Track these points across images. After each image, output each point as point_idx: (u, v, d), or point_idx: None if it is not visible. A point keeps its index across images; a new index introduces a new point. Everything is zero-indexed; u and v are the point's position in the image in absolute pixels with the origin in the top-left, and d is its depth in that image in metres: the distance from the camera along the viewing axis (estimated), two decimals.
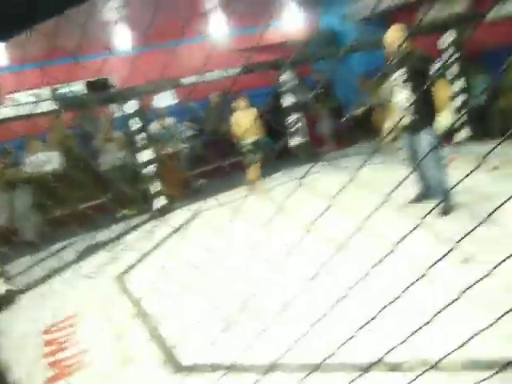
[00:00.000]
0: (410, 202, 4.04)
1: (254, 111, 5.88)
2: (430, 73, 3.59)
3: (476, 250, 2.89)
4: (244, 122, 5.68)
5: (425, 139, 3.66)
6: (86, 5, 1.07)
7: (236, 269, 1.22)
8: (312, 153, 7.17)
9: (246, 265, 1.23)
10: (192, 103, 7.68)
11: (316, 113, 8.01)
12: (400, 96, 3.76)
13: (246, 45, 6.55)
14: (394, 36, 3.69)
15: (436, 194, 3.84)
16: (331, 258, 1.13)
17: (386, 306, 1.02)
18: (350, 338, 1.05)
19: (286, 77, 6.89)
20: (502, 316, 0.93)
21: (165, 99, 7.89)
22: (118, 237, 5.09)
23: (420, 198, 4.08)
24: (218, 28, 7.63)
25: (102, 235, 5.12)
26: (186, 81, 6.24)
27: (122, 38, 6.81)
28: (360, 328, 1.07)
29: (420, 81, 3.56)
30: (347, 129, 7.42)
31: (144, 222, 5.83)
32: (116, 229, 5.50)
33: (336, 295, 1.17)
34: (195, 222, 4.80)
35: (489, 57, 6.57)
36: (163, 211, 5.89)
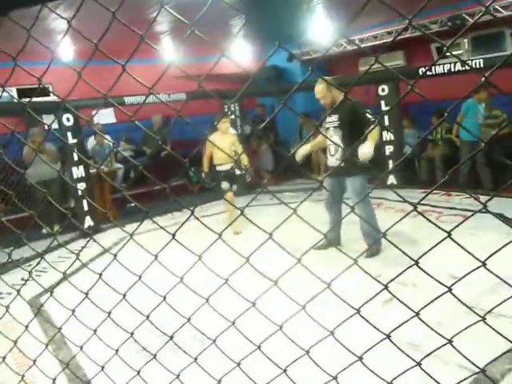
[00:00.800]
0: (315, 248, 3.88)
1: (233, 136, 5.41)
2: (365, 121, 3.69)
3: (399, 291, 3.04)
4: (222, 145, 4.83)
5: (353, 186, 3.80)
6: (32, 10, 1.02)
7: (162, 298, 1.17)
8: (249, 185, 7.26)
9: (174, 294, 1.18)
10: (135, 123, 7.54)
11: (257, 146, 8.18)
12: (330, 141, 3.91)
13: (195, 72, 6.60)
14: (320, 88, 3.80)
15: (366, 238, 3.97)
16: (263, 293, 1.12)
17: (316, 343, 1.02)
18: (279, 375, 1.03)
19: (230, 107, 7.01)
20: (425, 357, 0.97)
21: (104, 116, 7.67)
22: (40, 255, 4.74)
23: (327, 244, 4.01)
24: (167, 53, 7.66)
25: (22, 252, 4.75)
26: (128, 100, 6.14)
27: (67, 49, 6.60)
28: (289, 364, 1.07)
29: (351, 129, 3.72)
30: (286, 165, 7.64)
31: (70, 242, 5.52)
32: (39, 246, 5.13)
33: (266, 331, 1.16)
34: (125, 245, 4.58)
35: (416, 109, 7.17)
36: (92, 231, 5.63)
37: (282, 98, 0.94)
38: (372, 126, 3.46)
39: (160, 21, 6.25)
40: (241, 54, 8.27)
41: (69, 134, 5.62)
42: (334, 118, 3.84)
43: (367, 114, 3.70)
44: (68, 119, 5.63)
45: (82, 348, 1.36)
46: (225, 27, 6.92)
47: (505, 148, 5.54)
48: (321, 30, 7.01)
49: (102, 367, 1.37)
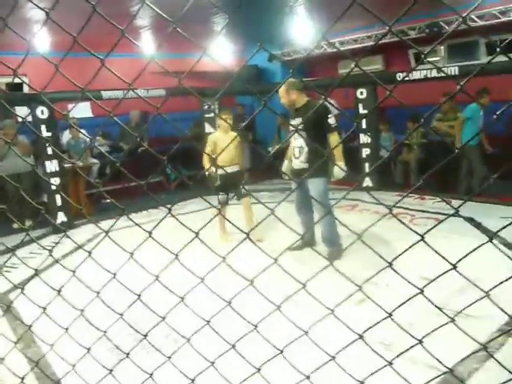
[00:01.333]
0: (291, 249, 3.73)
1: (234, 135, 4.57)
2: (327, 126, 3.74)
3: (373, 291, 3.09)
4: (225, 145, 4.17)
5: (314, 188, 3.81)
6: None
7: (136, 295, 1.15)
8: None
9: (149, 292, 1.17)
10: (114, 118, 7.42)
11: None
12: (295, 143, 3.95)
13: (173, 69, 6.55)
14: (280, 90, 3.80)
15: (324, 241, 3.99)
16: (238, 293, 1.12)
17: (292, 342, 1.03)
18: (253, 374, 1.04)
19: (210, 105, 6.97)
20: (396, 357, 0.99)
21: (80, 110, 7.51)
22: (11, 250, 4.62)
23: (302, 245, 4.04)
24: (148, 48, 7.56)
25: None
26: (106, 94, 6.04)
27: (44, 40, 6.43)
28: (263, 363, 1.07)
29: (315, 131, 3.72)
30: (263, 164, 7.66)
31: (42, 237, 5.39)
32: (9, 241, 5.00)
33: (241, 330, 1.16)
34: (99, 242, 4.50)
35: (393, 113, 7.30)
36: (65, 227, 5.51)
37: (263, 98, 0.95)
38: (337, 143, 3.57)
39: (141, 15, 6.16)
40: (222, 52, 8.23)
41: (43, 127, 5.48)
42: (298, 120, 3.87)
43: (329, 120, 3.74)
44: (42, 112, 5.49)
45: (52, 346, 1.34)
46: (207, 24, 6.88)
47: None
48: (302, 32, 7.06)
49: (73, 366, 1.34)
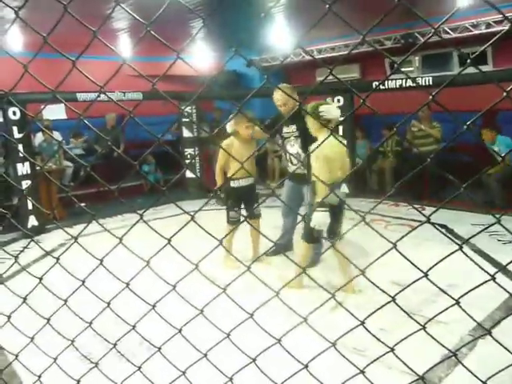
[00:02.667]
0: (268, 254, 3.71)
1: (254, 144, 4.05)
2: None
3: (346, 298, 3.11)
4: (244, 155, 3.60)
5: (309, 193, 3.84)
6: None
7: (105, 303, 1.12)
8: (203, 189, 7.21)
9: (120, 300, 1.13)
10: (85, 121, 7.29)
11: (213, 149, 8.14)
12: (291, 150, 3.95)
13: (152, 72, 6.50)
14: (279, 95, 3.81)
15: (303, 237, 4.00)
16: (212, 300, 1.11)
17: (264, 350, 1.02)
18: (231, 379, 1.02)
19: (187, 109, 6.94)
20: (369, 365, 0.99)
21: (54, 112, 7.34)
22: None
23: (280, 249, 4.02)
24: (124, 51, 7.47)
25: None
26: (81, 97, 5.92)
27: (16, 40, 6.29)
28: (236, 373, 1.05)
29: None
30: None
31: (11, 242, 5.23)
32: None
33: (214, 339, 1.14)
34: (69, 247, 4.40)
35: (368, 121, 7.42)
36: (36, 231, 5.36)
37: (237, 103, 0.94)
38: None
39: (118, 18, 6.09)
40: (200, 56, 8.21)
41: (14, 129, 5.33)
42: (293, 127, 3.87)
43: None
44: (14, 113, 5.34)
45: (17, 356, 1.29)
46: (184, 28, 6.85)
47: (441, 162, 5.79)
48: (280, 38, 7.11)
49: (39, 376, 1.29)
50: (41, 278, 1.11)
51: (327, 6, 0.74)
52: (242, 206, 4.02)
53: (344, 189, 3.43)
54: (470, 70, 0.94)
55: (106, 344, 2.55)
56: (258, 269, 1.06)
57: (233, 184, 3.87)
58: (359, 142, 7.34)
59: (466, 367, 0.99)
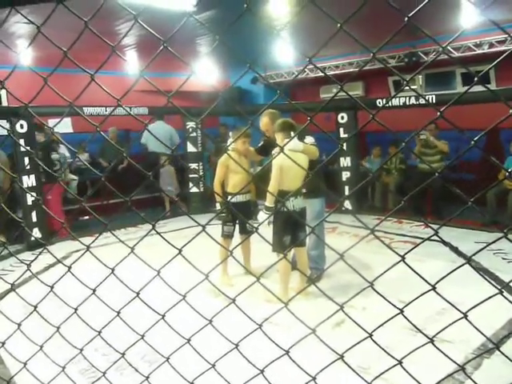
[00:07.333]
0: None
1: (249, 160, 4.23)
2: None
3: (349, 314, 3.09)
4: (236, 169, 3.89)
5: (311, 208, 3.83)
6: None
7: (112, 316, 1.12)
8: (206, 203, 7.25)
9: (129, 312, 1.14)
10: (101, 133, 7.36)
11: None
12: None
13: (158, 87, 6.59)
14: (265, 121, 3.85)
15: (310, 262, 3.95)
16: (220, 311, 1.11)
17: (272, 361, 1.02)
18: None
19: (192, 125, 7.01)
20: (375, 379, 0.99)
21: (61, 126, 7.42)
22: None
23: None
24: (132, 66, 7.58)
25: None
26: (88, 111, 6.00)
27: (26, 54, 6.40)
28: (245, 383, 1.06)
29: None
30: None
31: (17, 253, 5.24)
32: None
33: (222, 350, 1.15)
34: (76, 259, 4.40)
35: (372, 138, 7.47)
36: (42, 243, 5.38)
37: (249, 118, 0.97)
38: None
39: (127, 34, 6.20)
40: (205, 73, 8.31)
41: (22, 142, 5.39)
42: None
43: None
44: (22, 126, 5.41)
45: (25, 365, 1.29)
46: (191, 45, 6.96)
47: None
48: (286, 55, 7.21)
49: None
50: (52, 287, 1.13)
51: (339, 24, 0.77)
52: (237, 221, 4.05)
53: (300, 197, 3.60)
54: (475, 88, 0.97)
55: (108, 357, 2.54)
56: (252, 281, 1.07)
57: (229, 199, 3.94)
58: (375, 159, 7.39)
59: (474, 382, 0.99)
